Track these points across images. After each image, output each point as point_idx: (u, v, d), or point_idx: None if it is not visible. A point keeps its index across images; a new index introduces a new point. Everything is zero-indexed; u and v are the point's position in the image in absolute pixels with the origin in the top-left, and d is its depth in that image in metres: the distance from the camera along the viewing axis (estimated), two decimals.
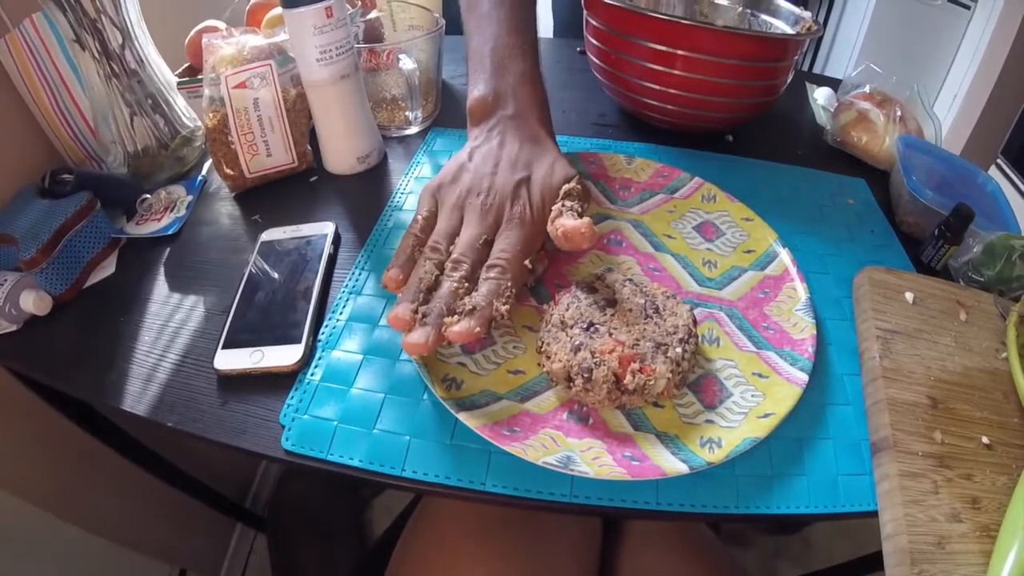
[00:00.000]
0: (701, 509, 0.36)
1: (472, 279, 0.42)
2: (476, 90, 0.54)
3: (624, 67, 0.64)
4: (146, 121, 0.65)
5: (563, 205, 0.45)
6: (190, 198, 0.63)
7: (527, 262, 0.44)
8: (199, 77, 0.68)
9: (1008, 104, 2.58)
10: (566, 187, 0.47)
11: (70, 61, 0.66)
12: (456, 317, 0.39)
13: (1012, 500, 0.36)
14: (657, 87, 0.62)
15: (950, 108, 3.01)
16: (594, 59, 0.69)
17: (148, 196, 0.62)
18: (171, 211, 0.61)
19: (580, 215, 0.45)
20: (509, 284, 0.41)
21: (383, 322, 0.47)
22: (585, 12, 0.68)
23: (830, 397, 0.43)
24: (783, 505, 0.36)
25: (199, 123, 0.70)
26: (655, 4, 0.78)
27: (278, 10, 0.72)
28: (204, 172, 0.68)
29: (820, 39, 3.31)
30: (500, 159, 0.49)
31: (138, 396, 0.44)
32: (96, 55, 0.60)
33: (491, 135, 0.52)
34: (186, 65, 0.76)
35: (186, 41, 0.75)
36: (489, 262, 0.42)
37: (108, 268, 0.56)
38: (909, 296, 0.48)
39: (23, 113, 0.64)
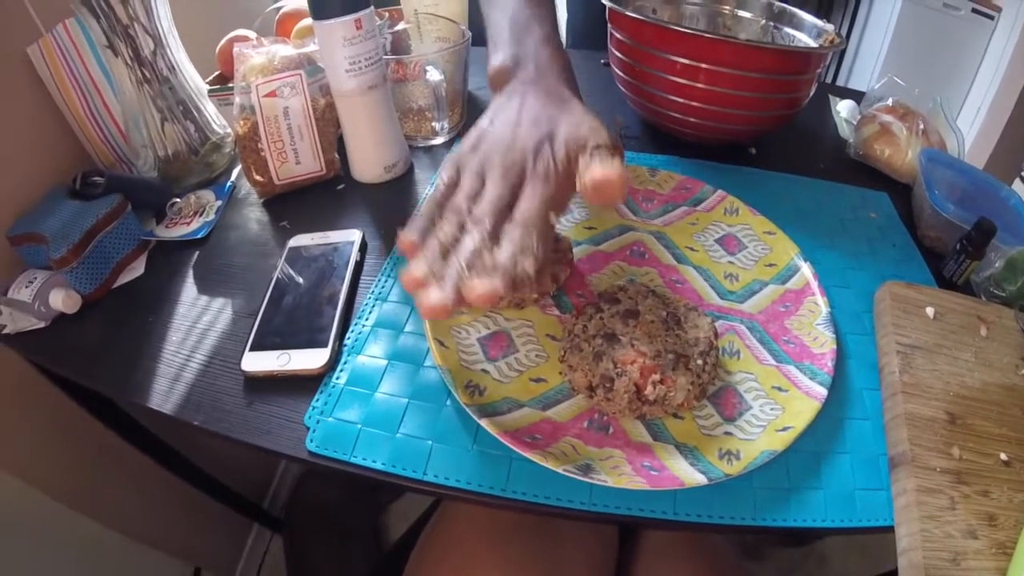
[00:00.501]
0: (718, 520, 0.36)
1: (495, 238, 0.37)
2: (495, 58, 0.53)
3: (648, 79, 0.65)
4: (177, 127, 0.67)
5: (591, 156, 0.41)
6: (219, 203, 0.64)
7: (552, 217, 0.39)
8: (230, 85, 0.70)
9: None
10: (594, 141, 0.41)
11: (102, 66, 0.68)
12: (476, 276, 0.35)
13: None
14: (681, 99, 0.63)
15: (974, 120, 2.99)
16: (618, 71, 0.70)
17: (178, 200, 0.64)
18: (200, 215, 0.63)
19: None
20: (534, 241, 0.37)
21: (408, 328, 0.47)
22: (609, 25, 0.69)
23: (849, 411, 0.43)
24: (800, 518, 0.37)
25: (228, 130, 0.71)
26: (678, 17, 0.79)
27: (308, 21, 0.74)
28: (233, 178, 0.69)
29: (843, 51, 3.29)
30: (521, 119, 0.46)
31: (165, 395, 0.45)
32: (128, 61, 0.62)
33: (512, 98, 0.49)
34: (216, 73, 0.77)
35: (217, 49, 0.77)
36: (512, 219, 0.39)
37: (137, 269, 0.58)
38: (930, 311, 0.48)
39: (55, 115, 0.66)
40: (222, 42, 0.77)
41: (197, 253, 0.59)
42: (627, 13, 0.62)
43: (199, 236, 0.60)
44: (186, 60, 0.67)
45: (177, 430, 0.74)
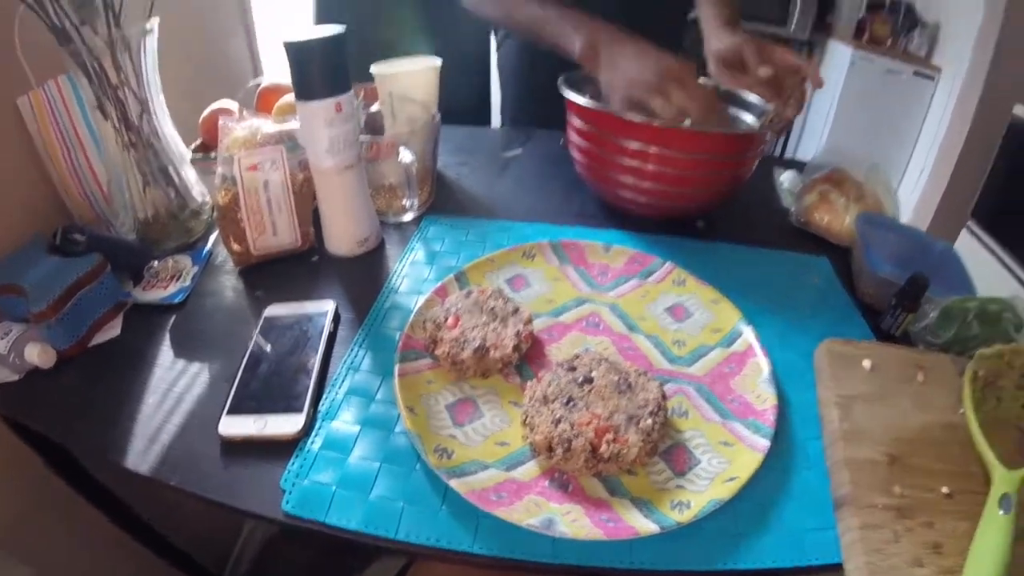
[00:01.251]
0: (672, 566, 0.39)
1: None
2: (575, 46, 0.73)
3: (602, 162, 0.71)
4: (158, 191, 0.69)
5: None
6: (196, 269, 0.66)
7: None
8: (212, 155, 0.73)
9: (975, 168, 2.74)
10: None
11: (89, 125, 0.70)
12: None
13: (973, 544, 0.39)
14: (632, 180, 0.69)
15: (920, 176, 3.20)
16: (574, 154, 0.76)
17: (155, 263, 0.66)
18: (177, 280, 0.65)
19: None
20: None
21: (379, 396, 0.50)
22: (567, 111, 0.75)
23: (794, 460, 0.47)
24: (751, 561, 0.40)
25: (207, 197, 0.74)
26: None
27: (288, 98, 0.78)
28: (210, 245, 0.71)
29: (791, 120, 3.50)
30: (635, 58, 0.68)
31: (141, 454, 0.46)
32: (116, 124, 0.65)
33: (612, 56, 0.70)
34: (199, 141, 0.80)
35: (200, 119, 0.81)
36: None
37: (114, 329, 0.59)
38: (867, 363, 0.53)
39: (38, 168, 0.68)
40: (206, 112, 0.80)
41: (174, 317, 0.61)
42: (582, 102, 0.68)
43: (176, 301, 0.62)
44: (170, 127, 0.71)
45: (136, 488, 0.73)
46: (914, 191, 3.25)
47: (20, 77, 0.63)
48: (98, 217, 0.74)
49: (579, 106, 0.70)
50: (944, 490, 0.43)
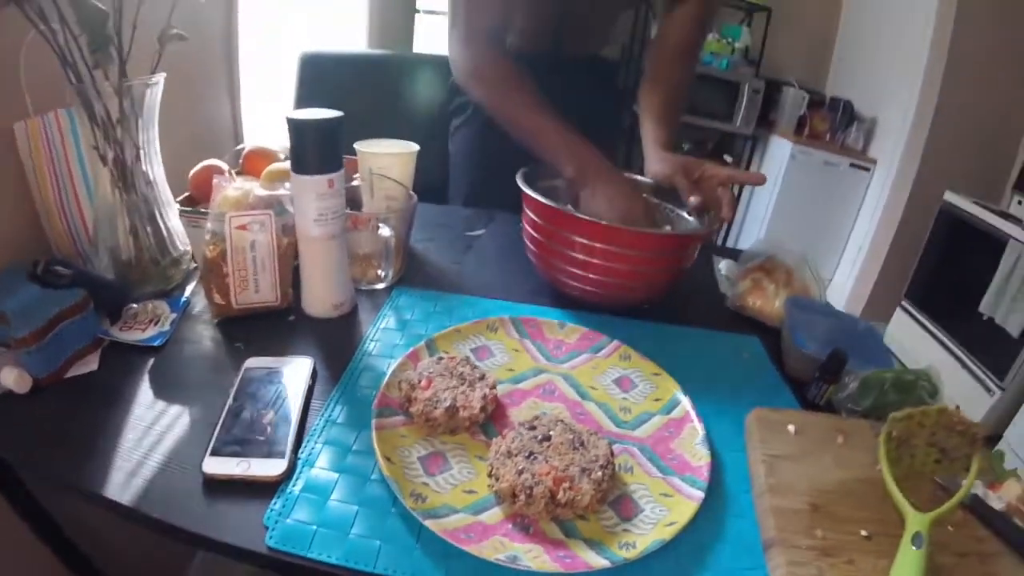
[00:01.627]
0: None
1: None
2: (567, 171, 0.85)
3: (553, 253, 0.79)
4: (144, 236, 0.73)
5: None
6: (174, 315, 0.70)
7: None
8: (201, 209, 0.78)
9: (908, 251, 3.03)
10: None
11: (81, 162, 0.73)
12: None
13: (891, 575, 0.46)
14: (580, 271, 0.77)
15: (856, 259, 3.48)
16: (528, 243, 0.84)
17: (135, 305, 0.69)
18: (155, 324, 0.68)
19: None
20: None
21: (355, 447, 0.55)
22: (523, 203, 0.82)
23: (728, 510, 0.54)
24: None
25: (188, 247, 0.78)
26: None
27: (277, 166, 0.85)
28: (187, 294, 0.75)
29: (737, 198, 3.79)
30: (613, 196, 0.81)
31: (122, 486, 0.48)
32: (112, 166, 0.68)
33: (596, 189, 0.83)
34: (186, 194, 0.84)
35: (191, 173, 0.85)
36: None
37: (91, 364, 0.62)
38: (791, 428, 0.61)
39: (24, 196, 0.70)
40: (197, 168, 0.85)
41: (153, 360, 0.64)
42: (535, 196, 0.77)
43: (155, 344, 0.65)
44: (162, 176, 0.74)
45: (92, 533, 0.74)
46: (851, 274, 3.51)
47: (18, 102, 0.67)
48: (78, 252, 0.76)
49: (534, 200, 0.78)
50: (863, 532, 0.50)
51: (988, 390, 2.43)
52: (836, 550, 0.48)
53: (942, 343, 2.75)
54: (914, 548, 0.47)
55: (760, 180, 0.90)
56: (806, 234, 3.55)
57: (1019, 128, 2.95)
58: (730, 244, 3.96)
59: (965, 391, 2.55)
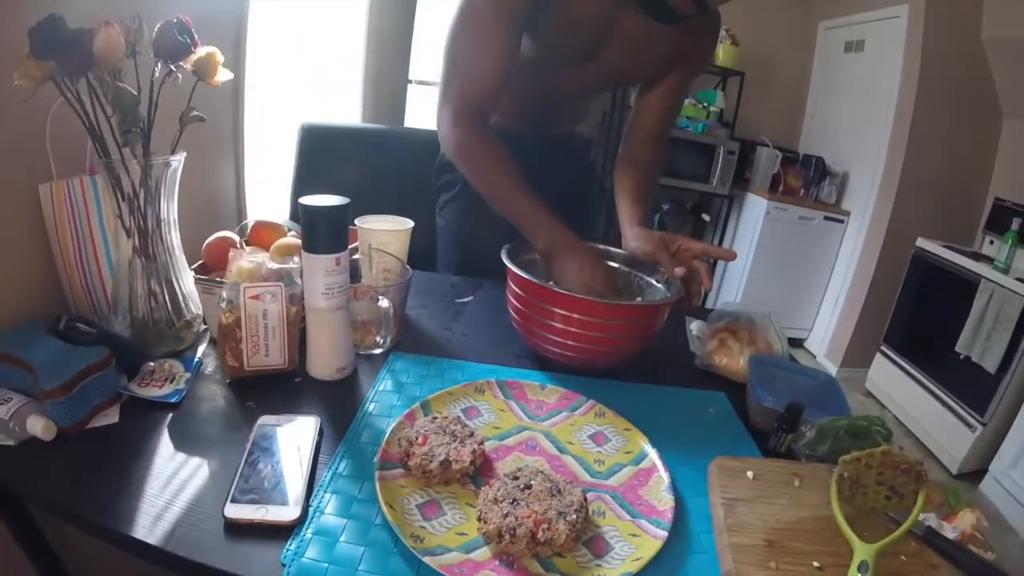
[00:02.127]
0: None
1: None
2: (539, 243, 0.94)
3: (533, 322, 0.86)
4: (160, 299, 0.79)
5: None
6: (188, 375, 0.76)
7: None
8: (216, 279, 0.84)
9: (885, 297, 3.14)
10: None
11: (102, 226, 0.80)
12: None
13: None
14: (559, 339, 0.85)
15: (834, 308, 3.59)
16: (512, 312, 0.91)
17: (152, 364, 0.75)
18: (171, 382, 0.74)
19: None
20: None
21: (360, 496, 0.61)
22: (508, 278, 0.90)
23: (690, 547, 0.61)
24: None
25: (200, 311, 0.84)
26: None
27: (285, 240, 0.93)
28: (199, 355, 0.81)
29: (714, 266, 3.90)
30: (584, 269, 0.90)
31: (150, 528, 0.54)
32: (135, 236, 0.75)
33: (567, 262, 0.91)
34: (200, 262, 0.92)
35: (205, 244, 0.92)
36: None
37: (112, 417, 0.68)
38: (750, 474, 0.68)
39: (45, 254, 0.76)
40: (211, 239, 0.92)
41: (171, 415, 0.70)
42: (518, 272, 0.85)
43: (172, 400, 0.71)
44: (178, 244, 0.81)
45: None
46: (830, 323, 3.60)
47: (43, 165, 0.73)
48: (94, 310, 0.82)
49: (516, 274, 0.86)
50: (816, 564, 0.56)
51: (970, 426, 2.51)
52: None
53: (922, 384, 2.84)
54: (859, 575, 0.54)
55: (731, 257, 1.00)
56: (784, 287, 3.67)
57: (989, 169, 3.12)
58: (711, 300, 4.06)
59: (947, 429, 2.64)
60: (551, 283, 0.88)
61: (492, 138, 1.02)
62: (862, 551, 0.57)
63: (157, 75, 0.73)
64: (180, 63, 0.74)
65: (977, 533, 0.64)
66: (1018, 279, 2.37)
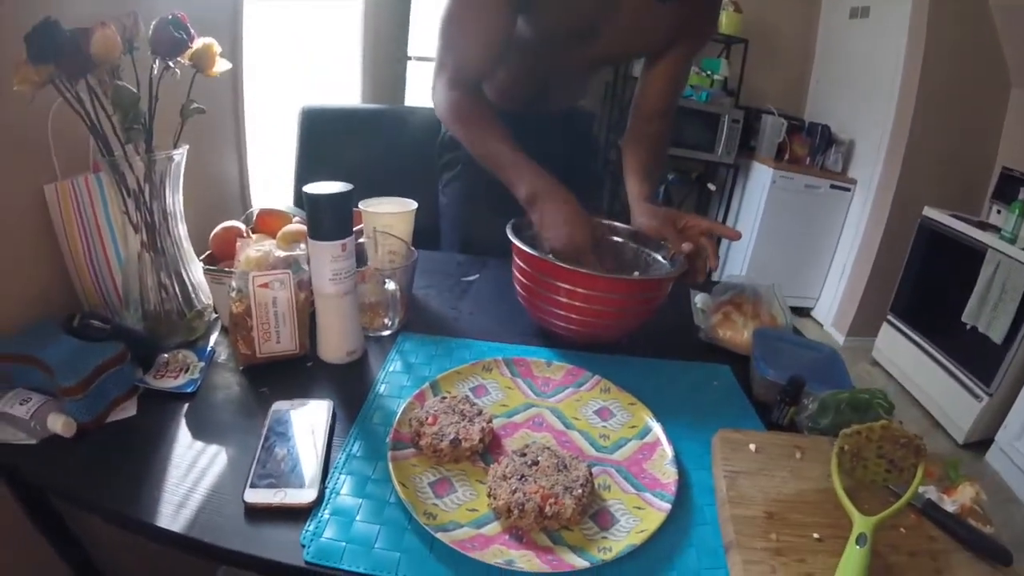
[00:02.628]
0: None
1: None
2: (520, 192, 0.95)
3: (539, 298, 0.88)
4: (170, 291, 0.81)
5: None
6: (202, 364, 0.77)
7: None
8: (225, 268, 0.85)
9: (890, 267, 3.13)
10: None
11: (109, 222, 0.81)
12: None
13: (837, 571, 0.53)
14: (564, 313, 0.86)
15: (841, 277, 3.58)
16: (518, 288, 0.93)
17: (165, 355, 0.77)
18: (186, 372, 0.76)
19: None
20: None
21: (373, 476, 0.63)
22: (512, 254, 0.91)
23: (693, 519, 0.63)
24: None
25: (210, 301, 0.86)
26: None
27: (291, 227, 0.94)
28: (212, 344, 0.83)
29: (719, 242, 3.87)
30: (566, 220, 0.91)
31: (172, 516, 0.56)
32: (143, 232, 0.76)
33: (546, 211, 0.92)
34: (208, 253, 0.93)
35: (212, 234, 0.94)
36: None
37: (129, 410, 0.69)
38: (752, 446, 0.69)
39: (54, 253, 0.77)
40: (217, 229, 0.94)
41: (187, 405, 0.72)
42: (522, 247, 0.86)
43: (188, 390, 0.73)
44: (185, 236, 0.82)
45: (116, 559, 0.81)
46: (837, 292, 3.59)
47: (47, 165, 0.74)
48: (106, 306, 0.83)
49: (521, 250, 0.87)
50: (815, 535, 0.58)
51: (976, 396, 2.51)
52: (789, 551, 0.56)
53: (928, 353, 2.83)
54: (858, 547, 0.55)
55: (736, 236, 1.00)
56: (791, 256, 3.66)
57: (996, 139, 3.08)
58: (717, 270, 4.04)
59: (953, 399, 2.64)
60: (550, 255, 0.88)
61: (483, 99, 1.04)
62: (861, 523, 0.58)
63: (155, 72, 0.74)
64: (178, 58, 0.75)
65: (977, 506, 0.65)
66: None
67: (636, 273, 1.00)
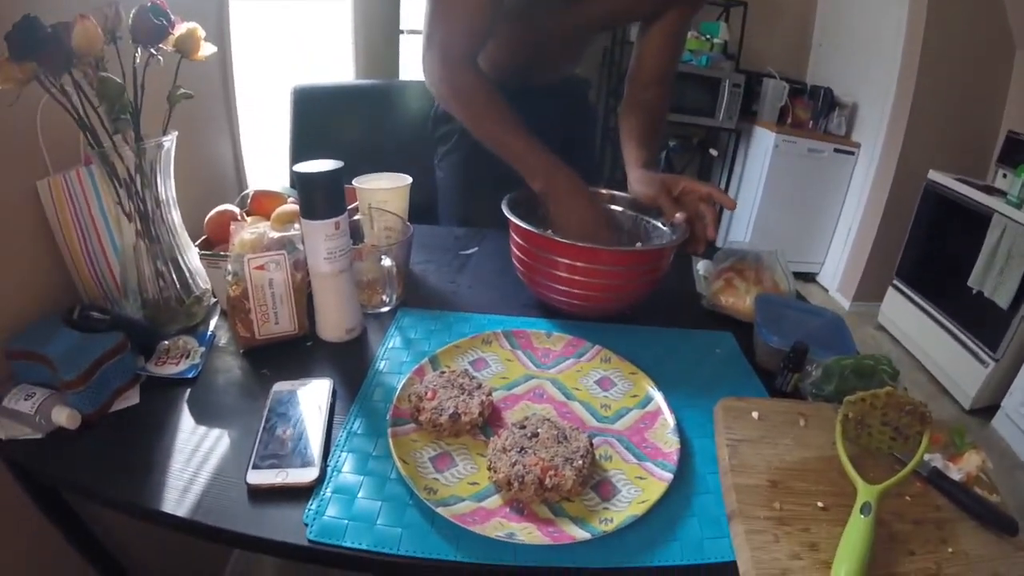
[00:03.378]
0: (603, 564, 0.53)
1: None
2: (535, 184, 0.93)
3: (539, 273, 0.87)
4: (168, 279, 0.80)
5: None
6: (202, 349, 0.78)
7: None
8: (219, 252, 0.85)
9: (896, 231, 3.12)
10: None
11: (103, 213, 0.81)
12: None
13: (842, 540, 0.53)
14: (564, 287, 0.85)
15: (846, 242, 3.56)
16: (516, 263, 0.92)
17: (166, 342, 0.77)
18: (187, 358, 0.76)
19: None
20: None
21: (375, 453, 0.63)
22: (510, 229, 0.90)
23: (696, 488, 0.63)
24: (663, 560, 0.54)
25: (208, 286, 0.86)
26: None
27: (285, 208, 0.93)
28: (212, 328, 0.83)
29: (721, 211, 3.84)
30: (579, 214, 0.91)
31: (177, 502, 0.57)
32: (137, 221, 0.76)
33: (561, 204, 0.92)
34: (203, 238, 0.92)
35: (206, 219, 0.93)
36: None
37: (132, 399, 0.70)
38: (755, 414, 0.68)
39: (51, 247, 0.77)
40: (211, 213, 0.93)
41: (189, 390, 0.72)
42: (518, 222, 0.85)
43: (189, 376, 0.73)
44: (180, 223, 0.82)
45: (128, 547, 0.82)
46: (842, 257, 3.57)
47: (38, 161, 0.74)
48: (105, 296, 0.83)
49: (518, 226, 0.86)
50: (819, 504, 0.57)
51: (982, 362, 2.49)
52: (793, 520, 0.56)
53: (934, 319, 2.81)
54: (863, 516, 0.54)
55: (731, 205, 0.97)
56: (795, 221, 3.63)
57: (1001, 102, 3.02)
58: (720, 235, 4.01)
59: (960, 364, 2.62)
60: (549, 231, 0.87)
61: (483, 80, 1.00)
62: (865, 492, 0.57)
63: (138, 61, 0.72)
64: (160, 45, 0.73)
65: (983, 474, 0.64)
66: None
67: (638, 244, 0.99)
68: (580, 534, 0.55)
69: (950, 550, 0.56)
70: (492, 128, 0.98)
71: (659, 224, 0.99)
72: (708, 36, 3.62)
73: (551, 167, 0.93)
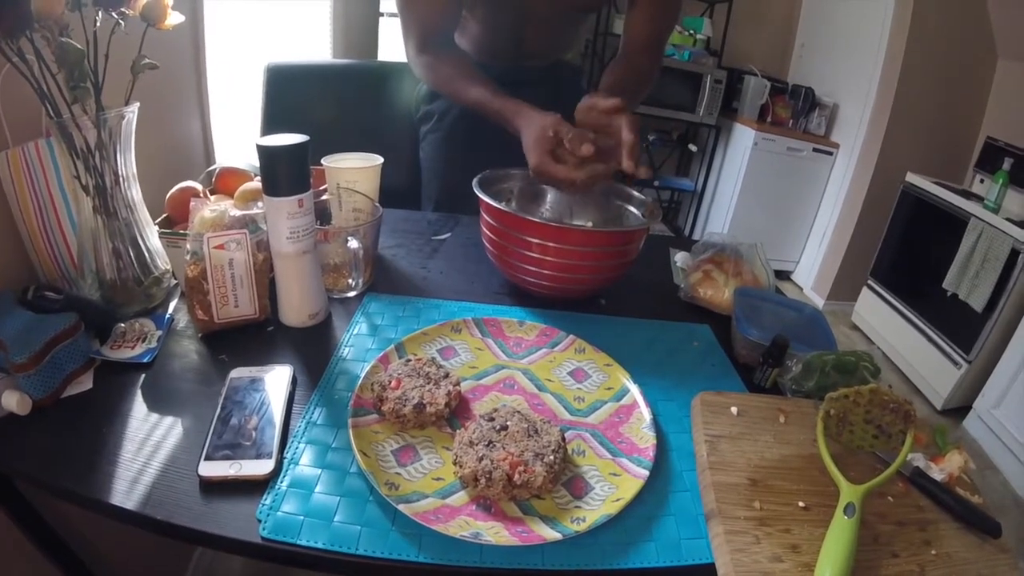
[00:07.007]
0: (575, 566, 0.51)
1: None
2: (511, 128, 0.93)
3: (509, 253, 0.85)
4: (126, 258, 0.77)
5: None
6: (159, 333, 0.74)
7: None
8: (180, 231, 0.81)
9: (872, 231, 3.13)
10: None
11: (62, 188, 0.77)
12: None
13: (824, 541, 0.51)
14: (535, 268, 0.83)
15: (822, 241, 3.58)
16: (487, 245, 0.89)
17: (122, 325, 0.73)
18: (143, 342, 0.72)
19: None
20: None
21: (335, 445, 0.60)
22: (481, 210, 0.88)
23: (672, 486, 0.60)
24: (638, 562, 0.52)
25: (168, 266, 0.82)
26: (532, 196, 0.98)
27: (249, 185, 0.89)
28: (171, 311, 0.79)
29: (700, 198, 3.82)
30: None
31: (126, 493, 0.53)
32: (93, 193, 0.72)
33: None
34: (164, 216, 0.88)
35: (167, 196, 0.89)
36: None
37: (85, 384, 0.66)
38: (734, 410, 0.67)
39: (7, 223, 0.73)
40: (173, 190, 0.89)
41: (144, 376, 0.68)
42: (490, 202, 0.83)
43: (144, 360, 0.69)
44: (140, 199, 0.78)
45: (91, 543, 0.78)
46: (817, 255, 3.61)
47: (0, 133, 0.70)
48: (63, 276, 0.79)
49: (489, 205, 0.84)
50: (801, 504, 0.56)
51: (955, 363, 2.53)
52: (773, 520, 0.54)
53: (908, 319, 2.85)
54: (846, 517, 0.53)
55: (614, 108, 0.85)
56: (772, 218, 3.65)
57: (981, 109, 3.05)
58: (697, 232, 4.04)
59: (933, 365, 2.66)
60: (513, 205, 0.87)
61: (454, 53, 1.05)
62: (849, 492, 0.56)
63: (98, 24, 0.68)
64: (123, 9, 0.69)
65: (964, 475, 0.63)
66: (1008, 219, 2.35)
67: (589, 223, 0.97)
68: (551, 534, 0.52)
69: (933, 552, 0.55)
70: (464, 92, 1.02)
71: (632, 208, 0.98)
72: (692, 31, 3.61)
73: (514, 107, 0.94)
